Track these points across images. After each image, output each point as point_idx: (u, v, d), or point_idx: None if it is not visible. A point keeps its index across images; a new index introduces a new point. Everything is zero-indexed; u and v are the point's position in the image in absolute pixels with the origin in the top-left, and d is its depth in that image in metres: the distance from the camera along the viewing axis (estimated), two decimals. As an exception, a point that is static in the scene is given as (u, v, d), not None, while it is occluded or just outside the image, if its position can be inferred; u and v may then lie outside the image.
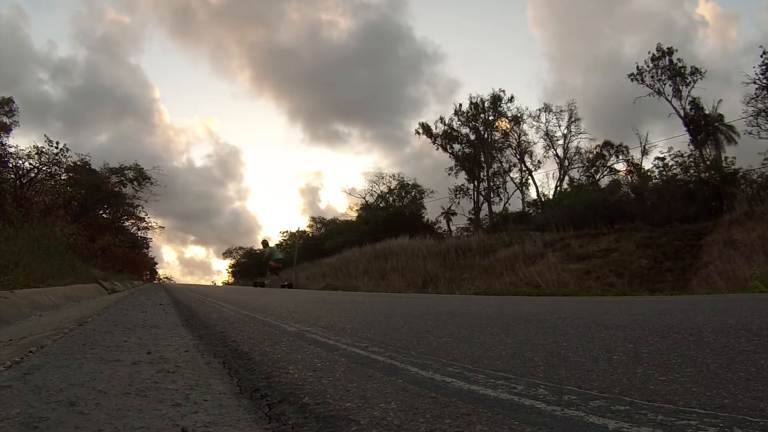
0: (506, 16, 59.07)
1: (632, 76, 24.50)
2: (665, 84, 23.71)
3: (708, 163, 19.69)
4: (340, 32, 57.02)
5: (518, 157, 31.97)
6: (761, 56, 17.91)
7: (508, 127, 31.04)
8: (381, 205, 34.18)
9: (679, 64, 23.49)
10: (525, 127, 31.32)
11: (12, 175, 14.63)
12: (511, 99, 31.69)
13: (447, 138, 32.07)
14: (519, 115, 31.32)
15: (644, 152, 24.72)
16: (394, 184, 35.08)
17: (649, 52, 24.33)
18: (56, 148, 16.03)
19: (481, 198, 31.58)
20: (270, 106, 79.96)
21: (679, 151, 20.37)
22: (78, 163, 18.25)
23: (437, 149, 32.87)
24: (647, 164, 23.62)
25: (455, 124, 32.36)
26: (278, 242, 46.88)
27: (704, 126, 21.99)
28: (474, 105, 32.08)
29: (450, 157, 32.72)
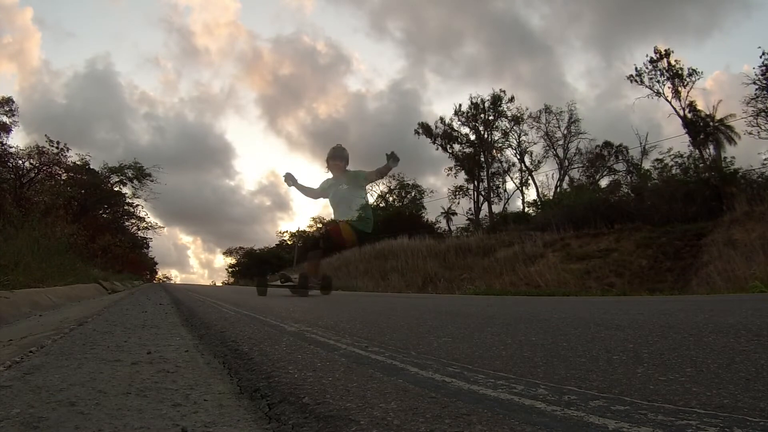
0: (506, 18, 59.23)
1: (631, 78, 24.52)
2: (664, 85, 23.72)
3: (707, 163, 19.70)
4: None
5: (518, 157, 31.93)
6: (761, 57, 17.93)
7: (508, 127, 31.02)
8: (381, 204, 34.20)
9: (677, 66, 23.50)
10: (525, 127, 31.32)
11: (12, 175, 14.63)
12: (511, 99, 31.69)
13: (447, 138, 32.06)
14: (519, 115, 31.31)
15: (644, 152, 24.71)
16: (393, 184, 35.07)
17: (647, 55, 24.38)
18: (56, 147, 16.03)
19: (481, 198, 31.53)
20: (307, 158, 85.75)
21: (678, 152, 20.38)
22: (78, 162, 18.27)
23: (437, 149, 32.83)
24: (647, 165, 23.63)
25: (455, 124, 32.32)
26: (278, 242, 46.74)
27: (703, 127, 22.00)
28: (474, 105, 32.05)
29: (449, 157, 32.68)
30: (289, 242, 44.86)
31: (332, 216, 6.14)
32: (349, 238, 5.70)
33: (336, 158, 5.94)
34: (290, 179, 6.01)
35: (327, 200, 6.07)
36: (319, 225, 40.90)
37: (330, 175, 6.11)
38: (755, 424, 0.67)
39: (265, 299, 5.13)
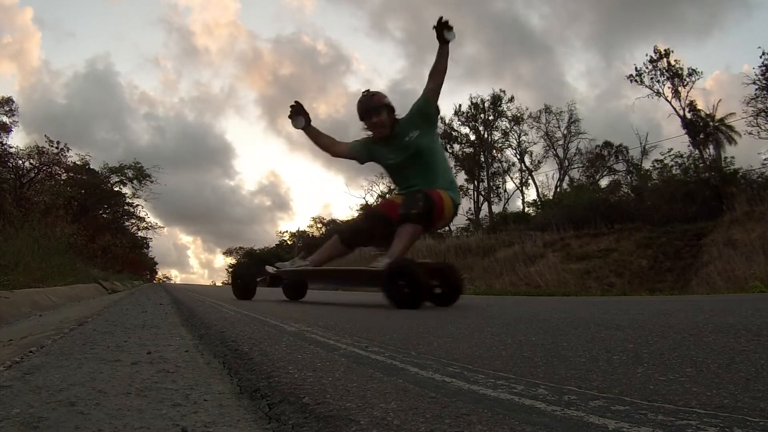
0: (506, 18, 59.26)
1: (631, 78, 24.51)
2: (664, 85, 23.71)
3: (707, 163, 19.69)
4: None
5: (518, 157, 31.92)
6: (761, 57, 17.91)
7: (508, 127, 31.04)
8: (381, 205, 34.20)
9: (677, 65, 23.49)
10: (525, 127, 31.32)
11: (12, 175, 14.63)
12: (511, 99, 31.67)
13: (447, 138, 32.04)
14: (519, 115, 31.31)
15: (644, 152, 24.70)
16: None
17: (646, 55, 24.40)
18: (56, 147, 16.03)
19: (481, 198, 31.50)
20: (308, 158, 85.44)
21: (678, 152, 20.37)
22: (78, 162, 18.29)
23: (437, 149, 32.78)
24: (647, 165, 23.63)
25: (455, 124, 32.32)
26: (278, 242, 46.62)
27: (703, 127, 22.00)
28: (474, 105, 32.03)
29: (449, 157, 32.71)
30: (289, 242, 44.80)
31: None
32: (448, 214, 3.71)
33: (372, 111, 3.69)
34: (300, 114, 3.91)
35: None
36: (320, 225, 40.24)
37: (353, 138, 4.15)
38: (755, 424, 0.67)
39: (264, 299, 5.10)
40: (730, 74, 54.14)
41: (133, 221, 23.88)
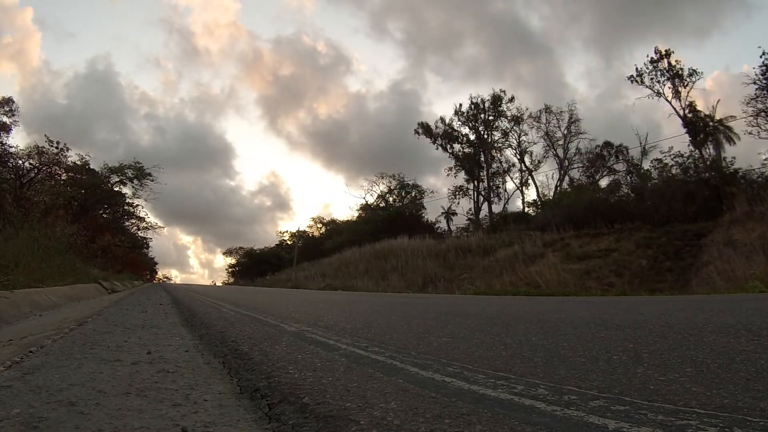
0: (506, 19, 59.32)
1: (632, 78, 24.49)
2: (664, 86, 23.69)
3: (707, 163, 19.68)
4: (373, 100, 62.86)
5: (518, 157, 31.93)
6: (761, 57, 17.91)
7: (508, 127, 31.05)
8: (381, 204, 34.21)
9: (678, 66, 23.47)
10: (525, 127, 31.30)
11: (12, 175, 14.61)
12: (511, 99, 31.65)
13: (447, 138, 32.04)
14: (519, 115, 31.29)
15: (644, 152, 24.70)
16: (393, 184, 35.08)
17: (647, 56, 24.40)
18: (56, 147, 16.02)
19: (481, 198, 31.52)
20: (308, 158, 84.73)
21: (678, 151, 20.36)
22: (78, 162, 18.28)
23: (437, 149, 32.81)
24: (647, 165, 23.63)
25: (455, 124, 32.31)
26: (278, 242, 46.87)
27: (703, 127, 21.99)
28: (474, 105, 32.02)
29: (449, 157, 32.68)
30: (289, 242, 44.77)
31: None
32: None
33: None
34: None
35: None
36: (319, 225, 40.57)
37: None
38: (755, 424, 0.67)
39: (263, 299, 5.11)
40: (729, 74, 53.95)
41: (133, 221, 23.85)
